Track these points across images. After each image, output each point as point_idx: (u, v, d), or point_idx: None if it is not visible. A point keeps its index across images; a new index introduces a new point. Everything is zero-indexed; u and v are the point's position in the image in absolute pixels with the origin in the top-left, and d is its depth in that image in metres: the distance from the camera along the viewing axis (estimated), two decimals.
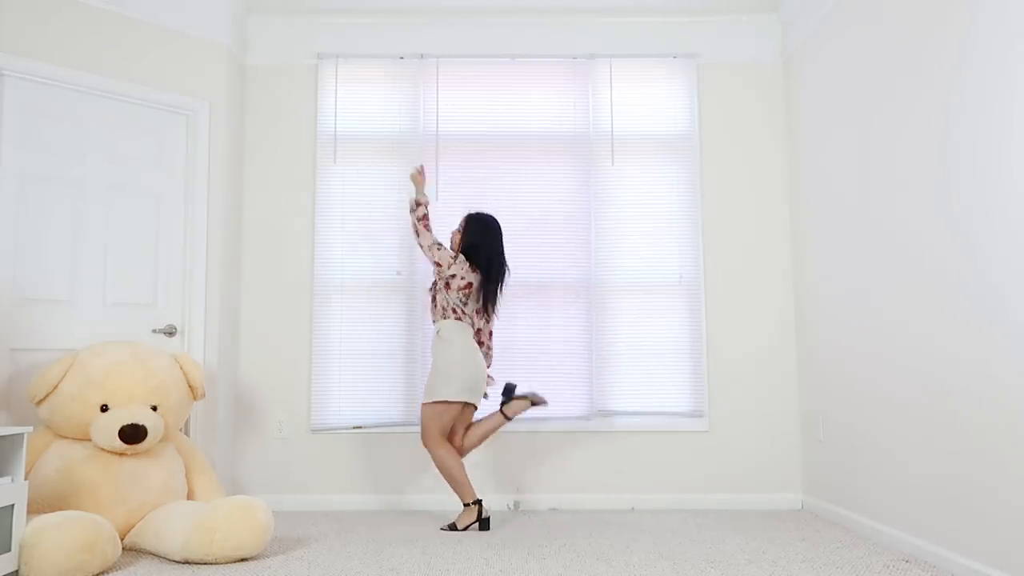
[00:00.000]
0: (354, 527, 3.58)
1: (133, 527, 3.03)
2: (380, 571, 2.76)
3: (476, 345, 3.59)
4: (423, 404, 3.54)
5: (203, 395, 3.43)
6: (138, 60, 3.76)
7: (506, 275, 3.68)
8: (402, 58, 4.35)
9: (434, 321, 3.63)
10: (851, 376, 3.50)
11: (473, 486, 3.65)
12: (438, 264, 3.55)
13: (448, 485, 3.60)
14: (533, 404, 3.67)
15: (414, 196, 3.66)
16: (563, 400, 4.12)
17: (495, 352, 3.88)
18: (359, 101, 4.33)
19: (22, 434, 2.65)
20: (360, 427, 4.13)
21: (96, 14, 3.64)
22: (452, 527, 3.48)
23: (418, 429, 4.08)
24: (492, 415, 3.67)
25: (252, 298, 4.21)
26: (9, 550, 2.51)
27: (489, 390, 3.71)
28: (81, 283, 3.53)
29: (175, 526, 2.85)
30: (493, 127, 4.32)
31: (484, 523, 3.48)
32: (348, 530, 3.50)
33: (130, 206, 3.70)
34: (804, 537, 3.33)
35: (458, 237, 3.69)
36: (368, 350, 4.17)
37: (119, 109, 3.69)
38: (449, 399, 3.48)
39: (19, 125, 3.40)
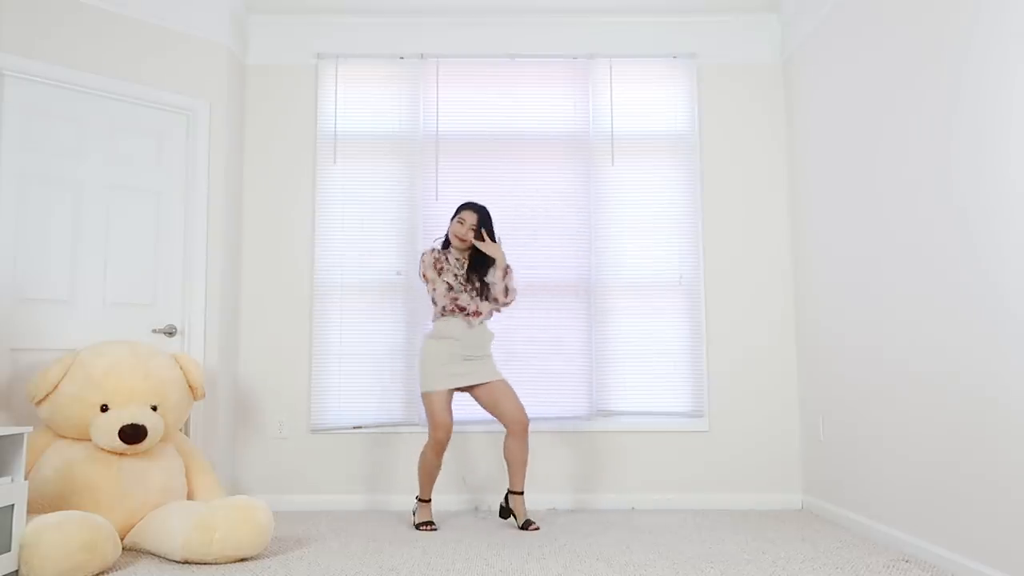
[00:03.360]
0: (354, 527, 3.57)
1: (133, 527, 3.03)
2: (380, 571, 2.76)
3: None
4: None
5: (203, 395, 3.43)
6: (138, 60, 3.75)
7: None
8: (402, 58, 4.34)
9: (483, 319, 3.57)
10: (851, 376, 3.50)
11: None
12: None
13: (525, 468, 3.56)
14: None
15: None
16: (563, 400, 4.12)
17: None
18: (359, 101, 4.33)
19: (22, 434, 2.65)
20: (360, 427, 4.13)
21: (96, 14, 3.64)
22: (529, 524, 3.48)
23: (418, 429, 4.09)
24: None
25: (252, 298, 4.21)
26: (9, 550, 2.51)
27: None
28: (81, 283, 3.53)
29: (175, 526, 2.85)
30: (493, 127, 4.32)
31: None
32: (348, 530, 3.50)
33: (130, 206, 3.69)
34: (804, 537, 3.32)
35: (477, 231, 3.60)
36: (368, 350, 4.17)
37: (119, 109, 3.68)
38: None
39: (19, 125, 3.39)
